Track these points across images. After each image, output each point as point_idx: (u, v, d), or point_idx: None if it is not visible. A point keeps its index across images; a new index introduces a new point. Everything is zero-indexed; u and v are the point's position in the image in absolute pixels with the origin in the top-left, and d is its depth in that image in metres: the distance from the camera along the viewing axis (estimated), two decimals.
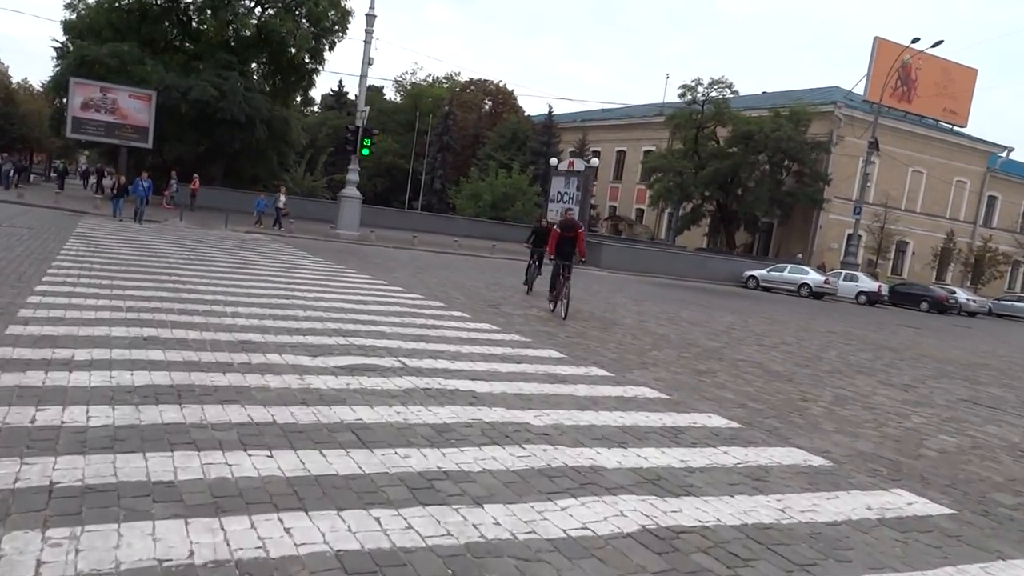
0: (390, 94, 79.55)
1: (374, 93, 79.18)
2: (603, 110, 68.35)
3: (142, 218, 23.67)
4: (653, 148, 59.57)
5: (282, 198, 29.47)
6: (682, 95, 44.90)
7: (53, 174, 60.64)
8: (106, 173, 46.25)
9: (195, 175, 34.71)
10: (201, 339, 7.56)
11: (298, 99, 45.01)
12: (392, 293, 13.90)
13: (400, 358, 7.84)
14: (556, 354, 9.37)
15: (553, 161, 40.20)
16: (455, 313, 12.09)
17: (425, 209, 58.14)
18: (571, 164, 36.47)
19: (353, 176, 30.05)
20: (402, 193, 61.88)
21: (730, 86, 43.74)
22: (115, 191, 25.97)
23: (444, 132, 62.07)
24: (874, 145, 38.42)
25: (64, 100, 34.49)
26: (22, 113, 44.56)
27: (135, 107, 33.05)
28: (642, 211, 60.55)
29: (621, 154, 63.71)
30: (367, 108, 30.15)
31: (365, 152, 29.29)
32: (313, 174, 46.72)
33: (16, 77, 50.61)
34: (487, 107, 71.91)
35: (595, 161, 36.49)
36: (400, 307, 11.96)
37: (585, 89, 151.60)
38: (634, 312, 16.37)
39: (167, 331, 7.75)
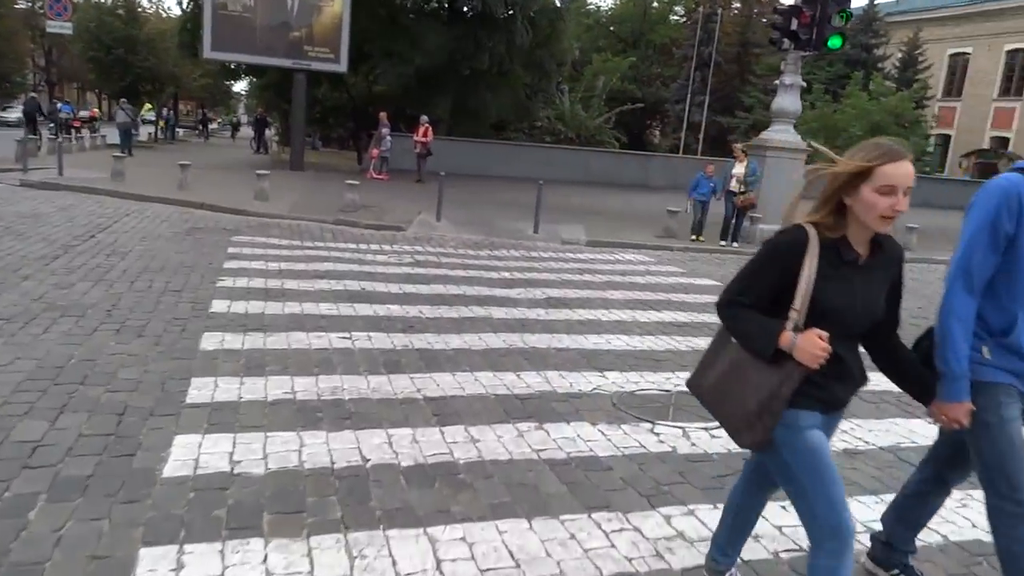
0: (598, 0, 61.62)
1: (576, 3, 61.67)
2: None
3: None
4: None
5: (739, 168, 12.83)
6: None
7: (212, 125, 47.43)
8: (268, 122, 32.15)
9: (423, 118, 19.30)
10: None
11: None
12: None
13: None
14: None
15: None
16: None
17: (687, 152, 40.97)
18: None
19: (792, 102, 13.49)
20: (633, 130, 43.88)
21: None
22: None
23: (705, 42, 43.46)
24: None
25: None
26: (147, 35, 30.71)
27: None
28: (1005, 140, 41.04)
29: (960, 59, 43.71)
30: None
31: (835, 43, 12.61)
32: (596, 109, 28.31)
33: None
34: (736, 7, 52.89)
35: None
36: None
37: None
38: None
39: None
